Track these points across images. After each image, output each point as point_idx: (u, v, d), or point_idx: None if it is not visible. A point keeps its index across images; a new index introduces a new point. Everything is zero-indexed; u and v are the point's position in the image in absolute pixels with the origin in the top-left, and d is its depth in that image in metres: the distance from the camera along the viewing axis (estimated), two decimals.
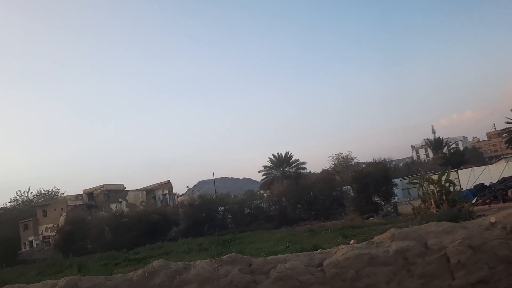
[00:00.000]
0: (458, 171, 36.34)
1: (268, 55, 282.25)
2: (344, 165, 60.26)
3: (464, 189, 27.69)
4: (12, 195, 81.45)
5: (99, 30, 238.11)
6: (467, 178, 33.09)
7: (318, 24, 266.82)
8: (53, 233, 46.54)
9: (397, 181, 36.56)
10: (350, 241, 11.54)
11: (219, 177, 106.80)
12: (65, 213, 50.03)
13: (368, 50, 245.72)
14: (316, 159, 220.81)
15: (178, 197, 65.29)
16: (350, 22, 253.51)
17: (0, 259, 36.11)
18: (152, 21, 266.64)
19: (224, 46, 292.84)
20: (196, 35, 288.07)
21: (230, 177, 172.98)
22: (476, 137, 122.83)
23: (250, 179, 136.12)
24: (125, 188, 60.35)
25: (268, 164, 57.27)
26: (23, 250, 49.38)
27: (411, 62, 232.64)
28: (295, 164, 55.91)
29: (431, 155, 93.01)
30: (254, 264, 2.82)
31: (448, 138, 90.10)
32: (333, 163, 62.47)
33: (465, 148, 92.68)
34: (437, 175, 24.44)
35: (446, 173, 23.80)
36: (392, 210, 28.75)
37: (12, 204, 67.21)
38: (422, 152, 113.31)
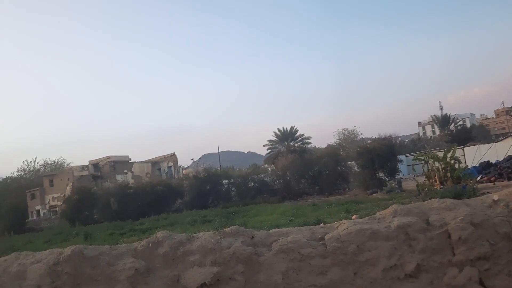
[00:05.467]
0: (464, 148, 36.18)
1: (273, 28, 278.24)
2: (349, 140, 60.26)
3: (469, 167, 27.58)
4: (19, 164, 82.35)
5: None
6: (473, 155, 32.92)
7: None
8: (59, 203, 47.25)
9: (402, 157, 36.53)
10: (352, 216, 11.64)
11: (223, 150, 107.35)
12: (71, 183, 50.65)
13: (375, 25, 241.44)
14: (321, 134, 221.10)
15: (183, 169, 65.77)
16: None
17: (9, 227, 36.93)
18: None
19: (232, 19, 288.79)
20: (207, 4, 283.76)
21: (234, 150, 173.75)
22: (483, 114, 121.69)
23: (255, 153, 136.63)
24: (130, 159, 60.83)
25: (273, 138, 57.29)
26: (30, 218, 50.31)
27: (419, 37, 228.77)
28: (300, 138, 55.87)
29: (437, 131, 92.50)
30: (256, 236, 2.86)
31: (455, 115, 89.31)
32: (338, 138, 62.55)
33: (472, 125, 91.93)
34: (443, 152, 24.35)
35: (451, 150, 23.70)
36: (396, 186, 28.82)
37: (19, 173, 68.09)
38: (428, 129, 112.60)
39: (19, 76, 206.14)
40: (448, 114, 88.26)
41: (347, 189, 35.61)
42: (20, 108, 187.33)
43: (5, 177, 67.44)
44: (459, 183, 20.86)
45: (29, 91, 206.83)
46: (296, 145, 55.11)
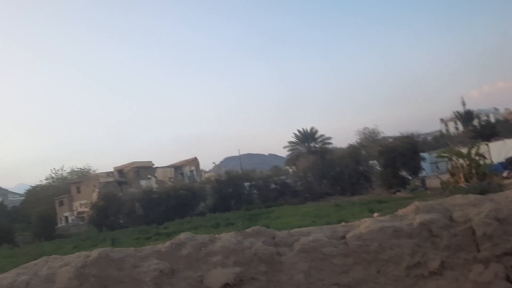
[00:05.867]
0: (489, 144, 35.35)
1: (293, 28, 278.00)
2: (370, 139, 59.58)
3: (494, 163, 26.94)
4: (47, 172, 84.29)
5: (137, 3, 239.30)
6: (498, 151, 32.13)
7: None
8: (87, 209, 48.13)
9: (425, 155, 35.90)
10: (374, 214, 11.52)
11: (244, 153, 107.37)
12: (97, 190, 51.52)
13: (399, 19, 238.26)
14: (341, 134, 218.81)
15: (205, 173, 66.20)
16: None
17: (39, 234, 37.88)
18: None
19: (249, 19, 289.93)
20: (223, 5, 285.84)
21: (255, 153, 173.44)
22: (508, 109, 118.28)
23: (276, 155, 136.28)
24: (153, 165, 61.53)
25: (293, 139, 57.11)
26: (59, 225, 51.39)
27: (440, 31, 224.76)
28: (320, 139, 55.53)
29: (460, 128, 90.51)
30: (277, 236, 2.88)
31: (478, 110, 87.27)
32: (359, 137, 61.88)
33: (497, 120, 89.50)
34: (467, 149, 23.87)
35: (476, 146, 23.23)
36: (420, 184, 28.41)
37: (47, 181, 69.65)
38: (451, 125, 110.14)
39: (45, 85, 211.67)
40: (471, 109, 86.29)
41: (369, 188, 35.27)
42: (46, 117, 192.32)
43: (34, 185, 69.17)
44: (484, 180, 20.44)
45: (56, 100, 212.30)
46: (317, 145, 54.80)
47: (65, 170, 70.48)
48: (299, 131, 56.74)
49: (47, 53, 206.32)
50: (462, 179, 22.03)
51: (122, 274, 2.65)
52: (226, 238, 2.83)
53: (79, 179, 61.70)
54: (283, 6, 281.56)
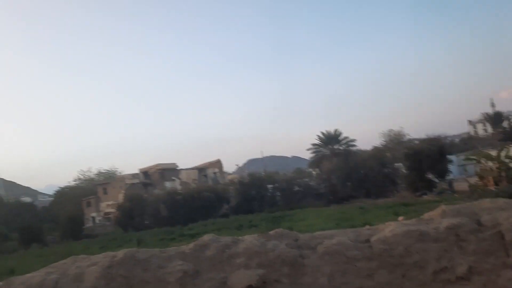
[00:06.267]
0: None
1: (314, 28, 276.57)
2: (395, 141, 58.73)
3: None
4: (75, 174, 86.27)
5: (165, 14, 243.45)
6: None
7: None
8: (113, 210, 49.01)
9: (452, 157, 35.12)
10: (399, 217, 11.34)
11: (268, 155, 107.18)
12: (123, 191, 52.42)
13: (427, 20, 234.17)
14: (366, 136, 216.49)
15: (228, 175, 66.50)
16: None
17: (67, 234, 38.80)
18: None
19: (267, 22, 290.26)
20: (240, 10, 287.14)
21: (278, 155, 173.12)
22: None
23: (299, 157, 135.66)
24: (178, 167, 62.20)
25: (317, 141, 56.78)
26: (86, 225, 52.50)
27: (469, 32, 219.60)
28: (344, 141, 55.05)
29: (489, 130, 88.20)
30: (300, 239, 2.87)
31: (508, 111, 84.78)
32: (384, 140, 61.08)
33: None
34: (496, 151, 23.27)
35: (505, 149, 22.61)
36: (447, 187, 27.83)
37: (75, 182, 71.34)
38: (480, 127, 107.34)
39: (74, 91, 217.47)
40: (500, 111, 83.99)
41: (394, 191, 34.74)
42: (75, 120, 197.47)
43: (63, 186, 70.98)
44: None
45: (84, 105, 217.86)
46: (341, 148, 54.34)
47: (92, 172, 72.12)
48: (322, 133, 56.44)
49: (75, 63, 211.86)
50: (491, 182, 21.52)
51: (148, 275, 2.69)
52: (249, 240, 2.84)
53: (106, 181, 62.96)
54: (310, 10, 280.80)
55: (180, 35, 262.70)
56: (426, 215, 3.02)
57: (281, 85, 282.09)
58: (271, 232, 2.89)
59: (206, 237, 2.90)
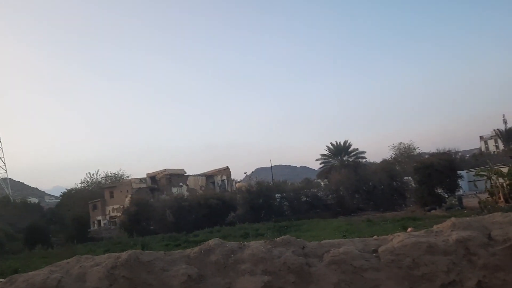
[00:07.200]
0: None
1: (325, 42, 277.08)
2: (405, 155, 58.24)
3: None
4: (82, 176, 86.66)
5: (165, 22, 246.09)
6: None
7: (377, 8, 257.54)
8: (119, 214, 49.09)
9: (462, 173, 34.72)
10: (408, 228, 11.20)
11: (276, 164, 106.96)
12: (130, 195, 52.52)
13: (439, 35, 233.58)
14: (376, 148, 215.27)
15: (236, 183, 66.37)
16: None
17: (72, 236, 38.89)
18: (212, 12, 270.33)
19: (278, 34, 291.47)
20: (251, 24, 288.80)
21: (287, 165, 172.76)
22: None
23: (307, 167, 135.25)
24: (185, 173, 62.22)
25: (326, 152, 56.55)
26: (92, 228, 52.62)
27: (482, 48, 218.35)
28: (353, 153, 54.75)
29: (501, 146, 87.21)
30: (307, 247, 2.83)
31: None
32: (394, 153, 60.61)
33: None
34: (507, 168, 22.97)
35: None
36: (457, 203, 27.47)
37: (82, 185, 71.62)
38: (491, 143, 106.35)
39: (84, 96, 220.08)
40: None
41: (403, 205, 34.39)
42: (83, 124, 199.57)
43: (70, 188, 71.30)
44: None
45: (93, 110, 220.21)
46: (350, 159, 54.05)
47: (99, 175, 72.31)
48: (332, 144, 56.21)
49: (87, 64, 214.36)
50: (502, 199, 21.22)
51: (151, 277, 2.67)
52: (255, 246, 2.81)
53: (113, 184, 63.11)
54: (327, 18, 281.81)
55: (192, 42, 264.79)
56: (435, 227, 2.97)
57: (293, 95, 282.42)
58: (278, 239, 2.86)
59: (211, 242, 2.88)
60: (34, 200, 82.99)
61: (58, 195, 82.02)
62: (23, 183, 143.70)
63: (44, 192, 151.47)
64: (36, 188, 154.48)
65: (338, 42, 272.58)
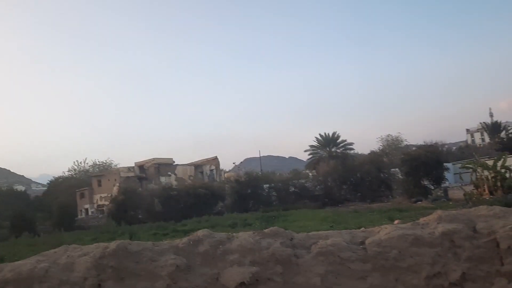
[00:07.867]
0: None
1: (317, 33, 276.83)
2: (393, 147, 58.76)
3: None
4: (70, 164, 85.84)
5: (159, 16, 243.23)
6: None
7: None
8: (107, 202, 48.84)
9: (449, 165, 35.15)
10: (394, 221, 11.35)
11: (265, 155, 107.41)
12: (118, 184, 52.25)
13: (428, 28, 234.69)
14: (364, 140, 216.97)
15: (224, 173, 66.37)
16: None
17: (59, 224, 38.62)
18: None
19: (266, 22, 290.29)
20: (241, 11, 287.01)
21: (276, 155, 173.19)
22: None
23: (296, 158, 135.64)
24: (174, 162, 62.01)
25: (315, 143, 56.80)
26: (79, 217, 52.31)
27: (470, 42, 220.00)
28: (342, 144, 55.09)
29: (487, 139, 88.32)
30: (295, 238, 2.85)
31: (506, 122, 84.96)
32: (381, 144, 61.09)
33: None
34: (493, 160, 23.31)
35: (502, 159, 22.64)
36: (442, 195, 27.85)
37: (69, 173, 71.05)
38: (477, 136, 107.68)
39: (70, 79, 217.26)
40: (498, 121, 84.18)
41: (390, 196, 34.77)
42: (71, 111, 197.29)
43: (57, 176, 70.68)
44: (510, 193, 19.90)
45: (80, 96, 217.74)
46: (338, 151, 54.37)
47: (87, 163, 71.76)
48: (321, 135, 56.45)
49: (76, 54, 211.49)
50: (487, 191, 21.53)
51: (139, 267, 2.67)
52: (244, 237, 2.82)
53: (101, 173, 62.70)
54: (312, 12, 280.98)
55: (180, 32, 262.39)
56: (421, 220, 3.01)
57: (280, 87, 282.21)
58: (266, 230, 2.87)
59: (200, 232, 2.88)
60: (20, 188, 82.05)
61: (45, 183, 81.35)
62: (9, 171, 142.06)
63: (30, 179, 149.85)
64: (22, 175, 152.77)
65: (327, 32, 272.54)
